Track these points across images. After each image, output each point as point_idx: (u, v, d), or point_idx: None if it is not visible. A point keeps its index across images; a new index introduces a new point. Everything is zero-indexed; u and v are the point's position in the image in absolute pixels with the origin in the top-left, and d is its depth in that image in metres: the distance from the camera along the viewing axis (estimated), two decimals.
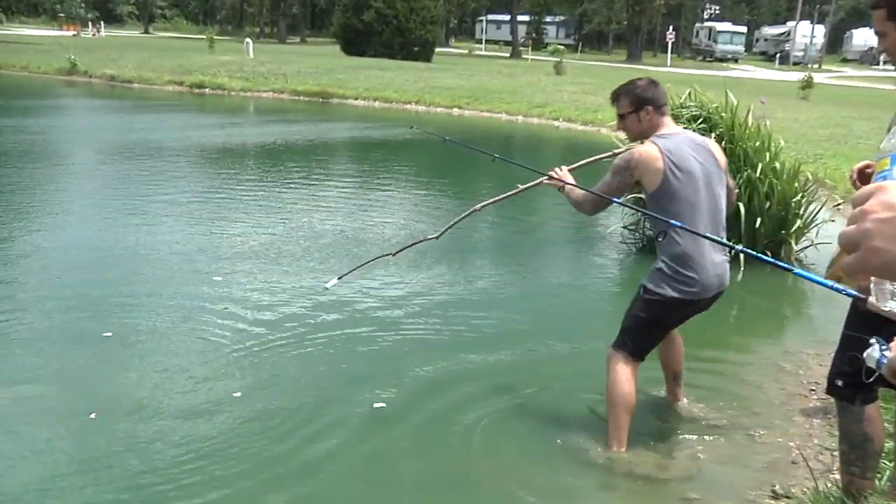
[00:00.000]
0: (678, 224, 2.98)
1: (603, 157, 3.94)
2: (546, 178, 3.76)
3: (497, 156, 4.12)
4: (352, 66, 26.77)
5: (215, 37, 32.96)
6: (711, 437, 3.78)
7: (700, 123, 6.74)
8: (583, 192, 3.58)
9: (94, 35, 50.10)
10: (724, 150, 6.52)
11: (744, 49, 59.48)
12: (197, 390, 4.04)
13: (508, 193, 4.13)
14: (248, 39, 32.27)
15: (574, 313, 5.59)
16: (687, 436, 3.79)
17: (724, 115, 6.82)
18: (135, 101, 21.10)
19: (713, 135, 6.64)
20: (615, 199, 3.42)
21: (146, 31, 64.66)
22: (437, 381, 4.27)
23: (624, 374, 3.49)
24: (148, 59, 27.65)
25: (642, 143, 3.49)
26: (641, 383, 4.17)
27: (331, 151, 13.77)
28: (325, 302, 5.40)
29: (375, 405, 3.93)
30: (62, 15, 57.99)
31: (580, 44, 61.58)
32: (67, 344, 4.58)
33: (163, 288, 5.62)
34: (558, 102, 19.92)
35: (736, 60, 55.76)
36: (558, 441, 3.67)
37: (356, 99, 22.14)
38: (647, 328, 3.51)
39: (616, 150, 3.80)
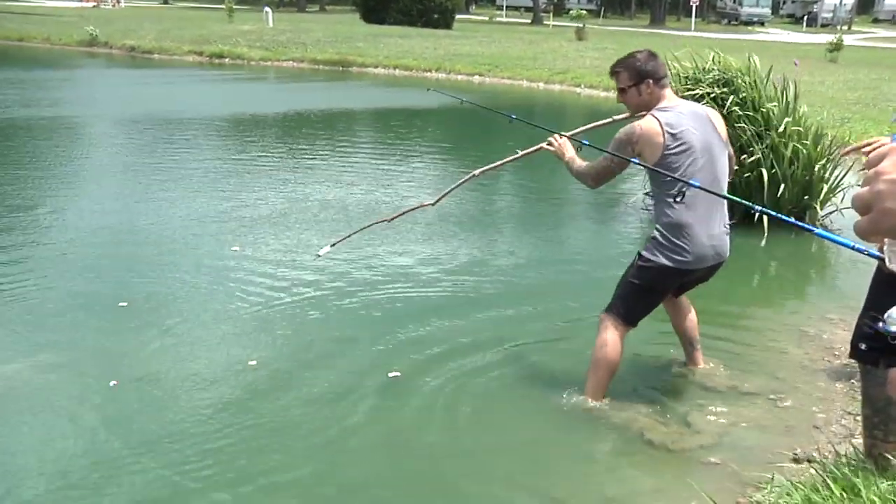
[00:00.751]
0: (696, 184, 2.96)
1: (602, 124, 3.89)
2: (546, 143, 3.77)
3: (514, 116, 4.11)
4: (371, 34, 26.63)
5: (234, 6, 32.78)
6: (732, 401, 3.77)
7: (723, 87, 6.64)
8: (584, 164, 3.59)
9: (113, 6, 50.09)
10: (747, 115, 6.49)
11: (770, 12, 58.25)
12: (211, 359, 4.07)
13: (508, 159, 4.13)
14: (266, 8, 32.11)
15: (590, 281, 5.53)
16: (707, 400, 3.78)
17: (746, 78, 6.70)
18: (155, 71, 21.13)
19: (736, 98, 6.56)
20: (633, 161, 3.39)
21: (165, 2, 64.57)
22: (450, 349, 4.27)
23: (612, 338, 3.54)
24: (168, 30, 27.66)
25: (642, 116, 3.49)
26: (658, 347, 4.21)
27: (348, 119, 13.75)
28: (340, 270, 5.41)
29: (390, 374, 3.94)
30: None
31: (602, 9, 60.67)
32: (84, 313, 4.62)
33: (180, 258, 5.66)
34: (580, 68, 19.70)
35: (762, 24, 54.68)
36: (575, 406, 3.66)
37: (376, 67, 22.04)
38: (640, 295, 3.54)
39: (616, 117, 3.74)
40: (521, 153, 4.04)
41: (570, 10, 42.21)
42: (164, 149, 10.22)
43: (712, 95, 6.58)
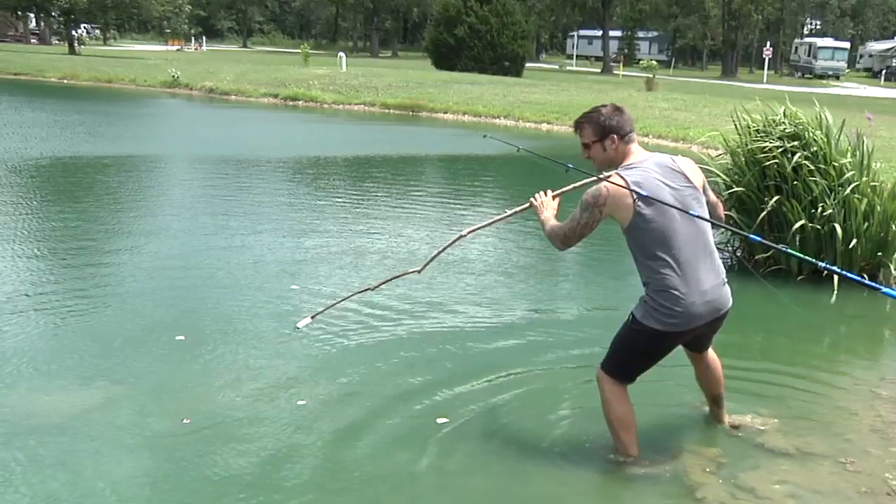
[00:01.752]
0: (757, 238, 2.91)
1: (589, 182, 3.68)
2: (532, 199, 3.69)
3: (570, 165, 4.05)
4: (442, 80, 27.07)
5: (310, 51, 33.86)
6: (799, 463, 3.64)
7: (792, 141, 6.55)
8: (555, 225, 3.50)
9: (196, 49, 52.20)
10: (817, 169, 6.38)
11: (846, 65, 57.33)
12: (261, 397, 4.08)
13: (496, 218, 4.07)
14: (341, 53, 33.01)
15: None
16: (770, 460, 3.65)
17: (817, 132, 6.60)
18: (231, 111, 21.82)
19: (806, 153, 6.46)
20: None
21: (244, 45, 66.90)
22: (498, 392, 4.25)
23: (615, 394, 3.43)
24: (245, 73, 28.65)
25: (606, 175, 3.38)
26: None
27: (410, 165, 13.90)
28: (396, 312, 5.43)
29: (438, 420, 3.92)
30: (168, 31, 60.59)
31: (673, 59, 60.58)
32: (142, 345, 4.73)
33: (237, 294, 5.77)
34: (649, 118, 19.64)
35: (837, 77, 53.80)
36: (619, 464, 3.56)
37: (445, 113, 22.37)
38: (634, 357, 3.43)
39: (602, 175, 3.47)
40: (509, 212, 3.93)
41: (640, 60, 42.24)
42: (231, 186, 10.54)
43: (781, 149, 6.49)
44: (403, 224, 8.51)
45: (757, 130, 6.83)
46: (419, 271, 4.08)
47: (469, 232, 4.00)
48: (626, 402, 3.45)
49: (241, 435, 3.71)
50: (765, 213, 6.47)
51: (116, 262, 6.63)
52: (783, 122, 6.73)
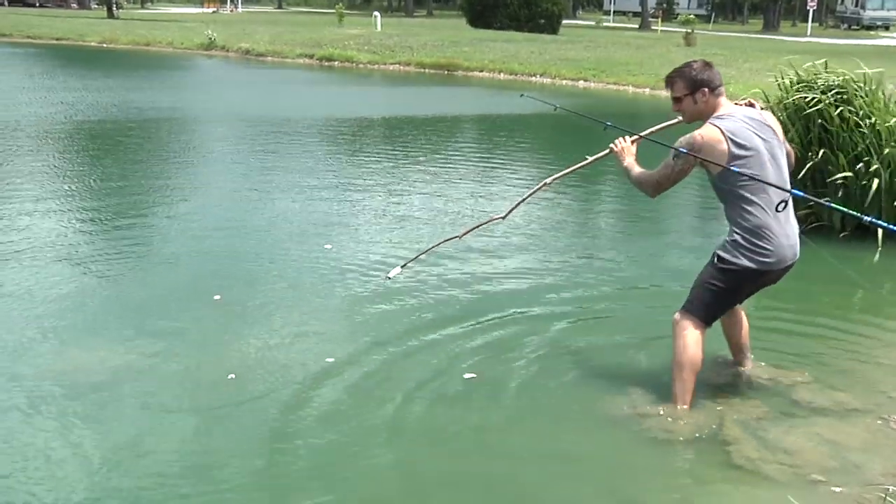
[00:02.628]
0: (799, 193, 2.92)
1: (671, 124, 3.79)
2: (611, 146, 3.77)
3: (609, 123, 4.05)
4: (477, 39, 26.81)
5: (344, 11, 33.69)
6: (838, 419, 3.62)
7: (835, 94, 6.40)
8: (643, 171, 3.61)
9: (231, 11, 52.21)
10: (862, 123, 6.24)
11: None
12: (293, 356, 4.13)
13: (577, 165, 4.11)
14: (376, 13, 32.82)
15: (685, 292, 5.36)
16: (811, 416, 3.64)
17: (861, 86, 6.45)
18: (268, 73, 21.87)
19: (850, 107, 6.32)
20: (734, 168, 3.34)
21: (279, 7, 66.74)
22: (525, 354, 4.25)
23: (693, 338, 3.54)
24: (280, 34, 28.64)
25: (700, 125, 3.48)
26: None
27: (447, 124, 13.84)
28: (426, 273, 5.43)
29: (466, 376, 3.96)
30: None
31: (713, 14, 59.15)
32: (181, 305, 4.82)
33: (274, 255, 5.83)
34: None
35: (887, 28, 51.97)
36: (664, 414, 3.59)
37: (481, 71, 22.21)
38: (720, 296, 3.55)
39: (670, 122, 3.69)
40: (590, 159, 4.00)
41: (678, 15, 41.33)
42: (269, 148, 10.60)
43: (824, 102, 6.36)
44: (442, 186, 8.51)
45: (800, 83, 6.69)
46: (503, 217, 4.28)
47: (552, 180, 4.15)
48: (701, 349, 3.56)
49: (274, 391, 3.76)
50: (808, 167, 6.36)
51: (156, 223, 6.76)
52: (826, 76, 6.59)
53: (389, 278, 4.63)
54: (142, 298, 4.94)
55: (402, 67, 23.42)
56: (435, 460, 3.32)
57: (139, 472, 3.12)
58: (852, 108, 6.32)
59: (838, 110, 6.29)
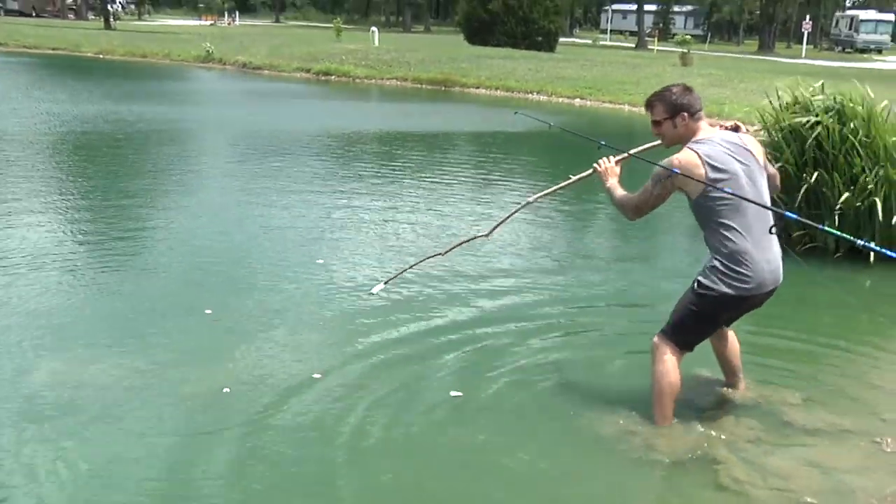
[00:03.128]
0: (793, 216, 2.91)
1: (655, 145, 3.78)
2: (595, 165, 3.79)
3: (602, 142, 4.06)
4: (475, 55, 26.91)
5: (342, 25, 33.80)
6: (833, 441, 3.60)
7: (832, 115, 6.42)
8: (625, 194, 3.64)
9: (229, 24, 52.39)
10: (861, 143, 6.26)
11: (890, 39, 55.82)
12: (279, 371, 4.10)
13: (561, 184, 4.14)
14: (373, 28, 32.95)
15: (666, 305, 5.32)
16: (806, 438, 3.63)
17: (858, 107, 6.47)
18: (264, 87, 21.90)
19: (844, 128, 6.34)
20: (724, 190, 3.33)
21: (277, 21, 67.00)
22: (512, 371, 4.23)
23: (671, 363, 3.54)
24: (278, 48, 28.72)
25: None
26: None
27: (442, 141, 13.83)
28: (415, 290, 5.41)
29: (452, 393, 3.93)
30: (202, 6, 60.84)
31: (709, 34, 59.55)
32: (171, 318, 4.78)
33: (266, 269, 5.79)
34: None
35: (880, 51, 52.44)
36: (649, 437, 3.57)
37: (478, 88, 22.27)
38: (699, 322, 3.55)
39: (654, 144, 3.68)
40: (573, 178, 4.03)
41: (675, 35, 41.58)
42: (262, 162, 10.56)
43: (821, 124, 6.38)
44: (435, 202, 8.49)
45: (795, 105, 6.72)
46: (487, 235, 4.35)
47: (536, 198, 4.23)
48: (678, 373, 3.57)
49: (263, 407, 3.72)
50: (803, 189, 6.37)
51: (147, 236, 6.70)
52: (822, 97, 6.61)
53: (373, 294, 4.68)
54: (132, 311, 4.89)
55: (398, 83, 23.48)
56: (422, 479, 3.28)
57: (126, 486, 3.08)
58: (849, 130, 6.33)
59: (839, 131, 6.30)
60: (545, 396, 3.97)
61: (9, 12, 48.78)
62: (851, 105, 6.48)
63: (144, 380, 3.96)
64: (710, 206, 3.38)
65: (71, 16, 52.92)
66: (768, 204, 3.46)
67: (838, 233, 3.39)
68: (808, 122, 6.44)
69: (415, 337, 4.65)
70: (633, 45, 48.32)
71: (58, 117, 13.60)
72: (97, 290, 5.26)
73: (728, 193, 3.29)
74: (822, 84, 6.82)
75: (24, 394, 3.76)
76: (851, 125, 6.37)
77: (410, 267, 4.66)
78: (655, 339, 3.62)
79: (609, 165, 3.74)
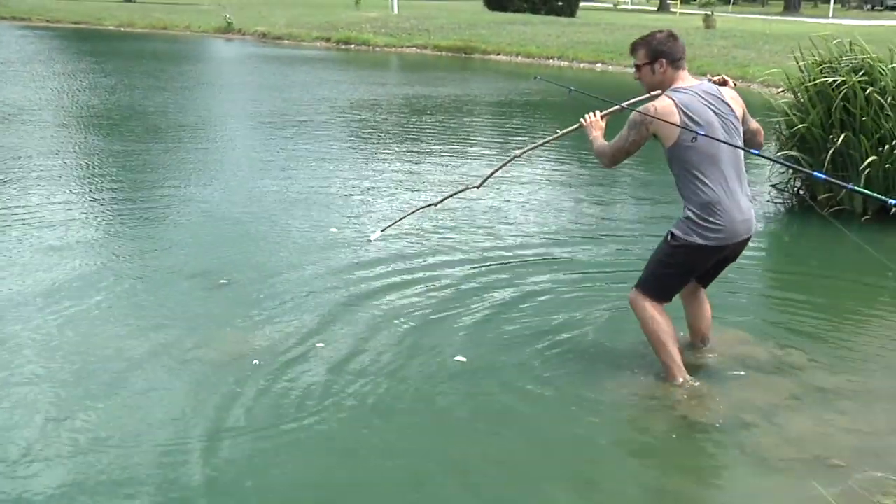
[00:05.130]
0: (822, 176, 2.89)
1: (638, 100, 3.74)
2: (578, 124, 3.84)
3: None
4: (495, 22, 26.64)
5: None
6: (859, 404, 3.60)
7: (861, 76, 6.31)
8: (603, 143, 3.68)
9: None
10: (890, 104, 6.16)
11: None
12: (286, 341, 4.10)
13: (548, 139, 4.25)
14: None
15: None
16: (833, 400, 3.61)
17: (886, 67, 6.35)
18: (283, 56, 21.84)
19: (873, 89, 6.24)
20: (700, 133, 3.34)
21: None
22: (516, 335, 4.25)
23: (654, 309, 3.58)
24: (297, 17, 28.56)
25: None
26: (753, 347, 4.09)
27: (460, 107, 13.72)
28: (427, 252, 5.46)
29: (456, 358, 3.95)
30: None
31: None
32: (188, 288, 4.83)
33: (280, 239, 5.82)
34: (706, 57, 19.07)
35: None
36: (665, 394, 3.60)
37: (498, 54, 22.08)
38: (674, 274, 3.58)
39: (653, 93, 3.61)
40: (560, 132, 4.12)
41: None
42: (289, 134, 10.55)
43: (848, 84, 6.27)
44: (454, 166, 8.49)
45: (822, 64, 6.61)
46: (477, 187, 4.49)
47: (522, 152, 4.41)
48: (665, 315, 3.60)
49: (265, 374, 3.74)
50: (830, 151, 6.29)
51: (167, 206, 6.72)
52: (849, 56, 6.50)
53: (370, 241, 4.91)
54: (156, 285, 4.91)
55: (418, 50, 23.32)
56: (426, 444, 3.29)
57: (148, 456, 3.14)
58: (877, 90, 6.23)
59: (866, 92, 6.20)
60: (556, 359, 3.97)
61: None
62: (880, 65, 6.37)
63: (174, 350, 4.01)
64: (683, 156, 3.40)
65: None
66: (742, 156, 3.48)
67: (867, 191, 3.34)
68: (834, 82, 6.34)
69: (419, 303, 4.65)
70: (656, 9, 47.56)
71: (85, 91, 13.69)
72: (119, 263, 5.27)
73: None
74: (850, 43, 6.69)
75: (37, 362, 3.81)
76: (880, 85, 6.27)
77: (404, 217, 4.87)
78: (631, 293, 3.67)
79: (594, 119, 3.77)
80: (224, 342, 4.09)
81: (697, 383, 3.66)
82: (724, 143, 3.35)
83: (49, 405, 3.45)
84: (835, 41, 6.73)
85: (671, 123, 3.35)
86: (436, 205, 4.63)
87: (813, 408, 3.56)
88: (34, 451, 3.11)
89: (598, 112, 3.79)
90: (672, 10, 43.14)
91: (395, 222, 4.68)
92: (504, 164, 4.38)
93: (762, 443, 3.27)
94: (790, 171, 6.65)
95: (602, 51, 20.90)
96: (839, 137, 6.28)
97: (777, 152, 6.87)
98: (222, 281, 4.92)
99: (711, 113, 3.40)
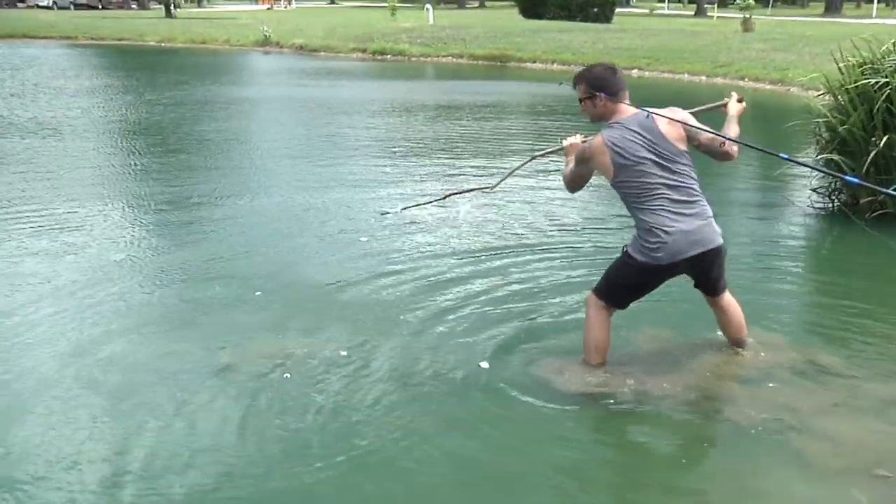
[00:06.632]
0: (855, 180, 2.89)
1: (549, 151, 4.24)
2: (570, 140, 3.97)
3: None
4: (530, 29, 26.64)
5: (397, 4, 33.79)
6: (883, 406, 3.54)
7: None
8: (566, 170, 3.88)
9: (285, 7, 52.81)
10: None
11: None
12: (317, 354, 4.10)
13: (556, 147, 4.26)
14: (428, 5, 32.81)
15: (746, 280, 5.12)
16: (877, 408, 3.54)
17: None
18: (319, 68, 22.08)
19: None
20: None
21: (332, 2, 67.28)
22: (542, 342, 4.23)
23: (599, 319, 3.78)
24: (334, 29, 28.87)
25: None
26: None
27: (494, 112, 13.73)
28: (454, 262, 5.48)
29: (481, 364, 3.96)
30: None
31: None
32: (223, 302, 4.86)
33: (313, 251, 5.87)
34: (744, 61, 18.88)
35: None
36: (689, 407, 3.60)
37: (534, 62, 22.10)
38: (623, 287, 3.77)
39: (655, 110, 3.63)
40: (543, 152, 4.64)
41: (736, 0, 40.40)
42: (324, 144, 10.64)
43: (892, 84, 6.17)
44: (487, 168, 8.50)
45: (864, 65, 6.50)
46: (491, 189, 4.71)
47: (540, 155, 4.67)
48: (605, 329, 3.81)
49: (295, 383, 3.79)
50: (872, 154, 6.18)
51: (201, 217, 6.80)
52: (893, 56, 6.39)
53: (388, 213, 5.34)
54: (191, 296, 4.97)
55: (454, 60, 23.42)
56: (446, 452, 3.29)
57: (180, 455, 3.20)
58: None
59: None
60: (570, 364, 3.92)
61: (78, 6, 50.20)
62: None
63: (207, 361, 4.06)
64: (622, 190, 3.61)
65: (134, 5, 54.04)
66: (691, 181, 3.59)
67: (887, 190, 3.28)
68: (877, 83, 6.24)
69: (443, 308, 4.68)
70: (693, 13, 47.13)
71: (125, 104, 14.00)
72: (152, 277, 5.32)
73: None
74: (893, 43, 6.57)
75: (74, 374, 3.87)
76: None
77: (421, 204, 5.38)
78: (588, 295, 3.84)
79: (574, 141, 3.87)
80: (256, 354, 4.10)
81: (733, 387, 3.66)
82: (646, 159, 3.53)
83: (75, 417, 3.51)
84: (881, 45, 6.61)
85: (603, 167, 3.58)
86: (449, 196, 4.86)
87: (856, 415, 3.50)
88: (59, 465, 3.17)
89: (579, 135, 3.91)
90: (709, 13, 42.72)
91: (411, 206, 5.04)
92: (520, 166, 4.51)
93: (802, 449, 3.24)
94: (829, 175, 6.55)
95: (638, 56, 20.79)
96: (882, 140, 6.17)
97: (816, 156, 6.77)
98: (257, 293, 4.97)
99: (641, 146, 3.53)
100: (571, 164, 3.83)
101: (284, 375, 3.87)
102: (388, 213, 5.20)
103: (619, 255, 3.76)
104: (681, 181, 3.57)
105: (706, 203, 3.64)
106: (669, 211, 3.52)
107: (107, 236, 6.14)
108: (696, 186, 3.63)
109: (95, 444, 3.31)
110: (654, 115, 3.57)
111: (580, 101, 3.72)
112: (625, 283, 3.75)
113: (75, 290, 4.97)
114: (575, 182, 3.86)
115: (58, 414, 3.53)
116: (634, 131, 3.56)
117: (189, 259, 5.65)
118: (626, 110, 3.64)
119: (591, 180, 3.90)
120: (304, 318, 4.58)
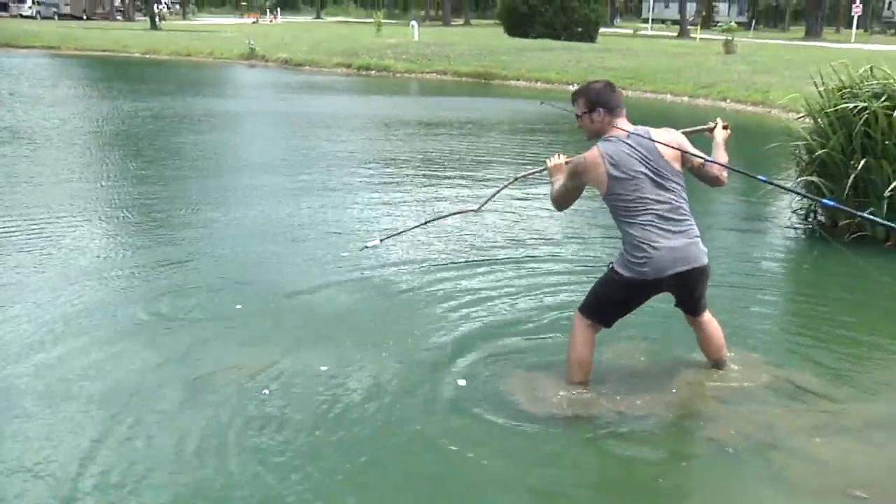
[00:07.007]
0: (830, 203, 2.93)
1: (533, 172, 4.18)
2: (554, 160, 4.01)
3: (632, 132, 4.06)
4: (515, 48, 26.82)
5: (382, 20, 33.96)
6: (887, 434, 3.55)
7: (884, 101, 6.28)
8: (553, 188, 3.90)
9: (271, 21, 52.91)
10: None
11: None
12: (283, 369, 4.07)
13: (539, 168, 4.25)
14: (413, 21, 33.02)
15: (726, 301, 5.15)
16: (858, 430, 3.55)
17: None
18: (304, 83, 22.10)
19: (894, 114, 6.20)
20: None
21: (318, 16, 67.49)
22: (522, 360, 4.22)
23: (583, 338, 3.79)
24: (319, 44, 28.96)
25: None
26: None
27: (481, 129, 13.81)
28: (435, 278, 5.47)
29: (458, 382, 3.94)
30: (244, 3, 61.54)
31: (754, 21, 58.38)
32: (202, 315, 4.81)
33: (294, 265, 5.83)
34: (727, 82, 19.09)
35: None
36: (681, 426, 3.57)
37: (517, 80, 22.23)
38: (609, 303, 3.78)
39: (655, 132, 3.68)
40: (527, 172, 4.59)
41: (718, 22, 40.86)
42: (307, 157, 10.65)
43: (869, 110, 6.25)
44: (470, 190, 8.52)
45: (843, 89, 6.59)
46: (476, 210, 4.70)
47: (524, 175, 4.71)
48: (589, 347, 3.81)
49: (281, 398, 3.76)
50: (852, 177, 6.25)
51: (185, 227, 6.79)
52: (871, 81, 6.47)
53: (368, 247, 5.20)
54: (175, 307, 4.93)
55: (438, 76, 23.52)
56: (419, 473, 3.26)
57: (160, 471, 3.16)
58: None
59: (888, 117, 6.17)
60: (554, 378, 3.92)
61: (62, 16, 50.07)
62: None
63: (187, 373, 4.03)
64: (613, 204, 3.61)
65: (118, 17, 53.90)
66: (681, 200, 3.61)
67: (882, 221, 3.33)
68: (855, 107, 6.31)
69: (425, 327, 4.64)
70: (676, 34, 47.63)
71: (108, 114, 13.91)
72: (138, 285, 5.31)
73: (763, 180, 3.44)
74: (871, 68, 6.67)
75: (44, 389, 3.81)
76: None
77: (400, 233, 5.41)
78: (574, 314, 3.85)
79: (559, 162, 3.92)
80: (234, 369, 4.05)
81: (702, 407, 3.68)
82: (641, 174, 3.54)
83: (59, 433, 3.46)
84: (860, 69, 6.70)
85: (598, 180, 3.58)
86: (432, 221, 5.03)
87: (834, 435, 3.51)
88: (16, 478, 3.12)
89: (561, 155, 3.95)
90: (692, 35, 43.18)
91: (391, 235, 4.93)
92: (504, 187, 4.49)
93: (780, 469, 3.24)
94: (808, 200, 6.61)
95: (621, 76, 20.90)
96: (860, 163, 6.24)
97: (797, 178, 6.84)
98: (237, 306, 4.93)
99: (638, 163, 3.55)
100: (559, 183, 3.85)
101: (263, 391, 3.83)
102: (367, 247, 5.14)
103: (604, 271, 3.77)
104: (672, 199, 3.59)
105: (694, 223, 3.65)
106: (658, 227, 3.54)
107: (79, 248, 6.06)
108: (686, 206, 3.65)
109: (58, 457, 3.25)
110: (650, 133, 3.60)
111: (578, 116, 3.73)
112: (612, 298, 3.75)
113: (46, 302, 4.90)
114: (565, 198, 3.86)
115: (25, 428, 3.47)
116: (630, 145, 3.58)
117: (165, 272, 5.58)
118: (625, 125, 3.66)
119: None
120: (283, 333, 4.55)
